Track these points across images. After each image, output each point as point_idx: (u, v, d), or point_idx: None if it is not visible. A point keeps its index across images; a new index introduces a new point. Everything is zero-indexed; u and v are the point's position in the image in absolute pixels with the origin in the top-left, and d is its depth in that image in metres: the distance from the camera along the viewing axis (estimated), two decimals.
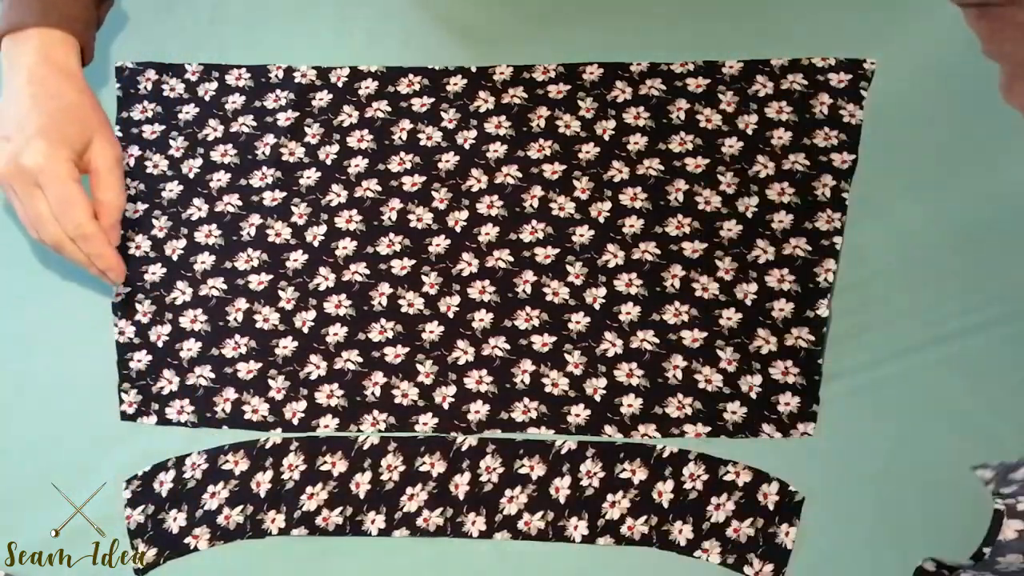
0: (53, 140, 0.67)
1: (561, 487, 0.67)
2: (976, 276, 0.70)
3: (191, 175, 0.80)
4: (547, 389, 0.70)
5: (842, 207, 0.74)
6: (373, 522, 0.67)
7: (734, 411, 0.69)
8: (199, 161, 0.80)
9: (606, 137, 0.78)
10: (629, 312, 0.72)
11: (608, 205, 0.75)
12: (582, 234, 0.75)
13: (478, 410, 0.70)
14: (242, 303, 0.75)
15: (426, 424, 0.70)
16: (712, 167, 0.76)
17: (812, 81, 0.78)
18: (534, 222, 0.75)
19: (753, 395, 0.69)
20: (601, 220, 0.75)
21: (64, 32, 0.70)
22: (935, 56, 0.78)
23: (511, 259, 0.74)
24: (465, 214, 0.76)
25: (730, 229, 0.74)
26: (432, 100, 0.81)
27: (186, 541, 0.68)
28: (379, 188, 0.78)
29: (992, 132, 0.71)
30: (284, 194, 0.78)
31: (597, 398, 0.70)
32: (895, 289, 0.70)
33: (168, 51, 0.84)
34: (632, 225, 0.74)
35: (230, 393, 0.72)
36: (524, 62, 0.81)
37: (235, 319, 0.75)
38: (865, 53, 0.78)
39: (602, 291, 0.73)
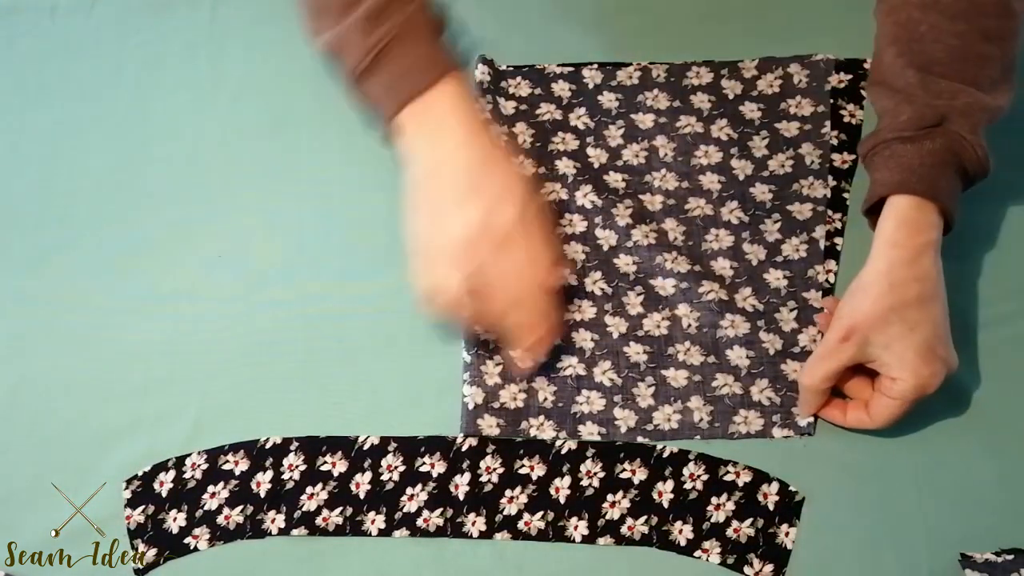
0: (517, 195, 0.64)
1: (561, 487, 0.67)
2: (975, 276, 0.70)
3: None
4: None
5: (842, 207, 0.74)
6: (373, 522, 0.67)
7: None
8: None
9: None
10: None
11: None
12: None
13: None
14: None
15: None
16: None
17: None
18: None
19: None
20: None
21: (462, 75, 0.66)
22: None
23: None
24: None
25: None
26: None
27: (186, 541, 0.68)
28: None
29: (991, 131, 0.71)
30: None
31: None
32: None
33: (168, 51, 0.84)
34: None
35: None
36: (528, 63, 0.81)
37: None
38: (865, 53, 0.78)
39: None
